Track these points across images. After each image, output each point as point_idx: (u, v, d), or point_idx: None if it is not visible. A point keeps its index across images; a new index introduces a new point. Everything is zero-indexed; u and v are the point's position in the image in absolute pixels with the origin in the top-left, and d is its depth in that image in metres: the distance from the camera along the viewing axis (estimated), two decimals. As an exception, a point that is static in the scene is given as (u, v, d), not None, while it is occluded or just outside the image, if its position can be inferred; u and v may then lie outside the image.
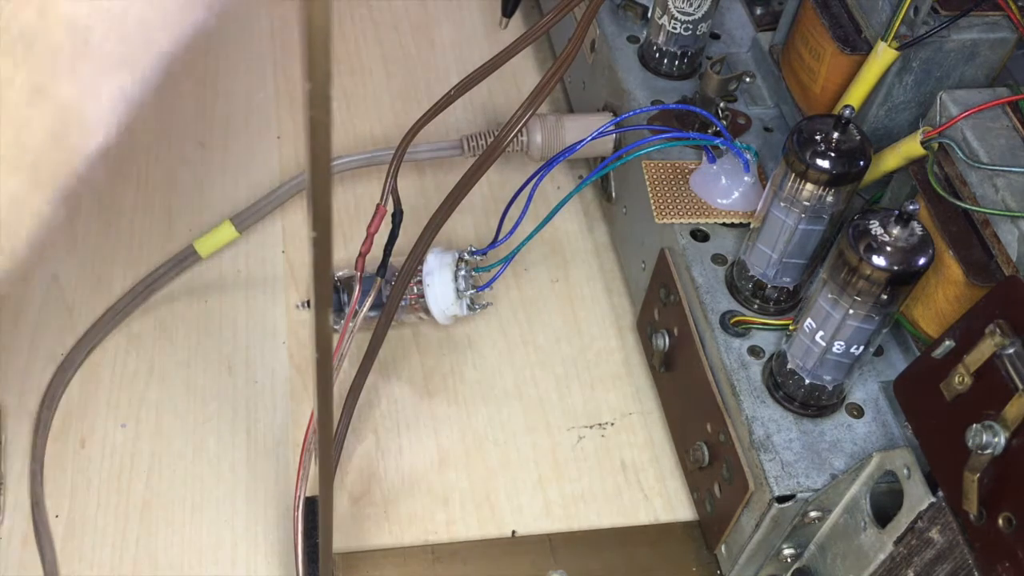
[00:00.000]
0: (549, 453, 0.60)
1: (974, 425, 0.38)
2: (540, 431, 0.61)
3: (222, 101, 0.76)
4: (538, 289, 0.67)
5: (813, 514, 0.47)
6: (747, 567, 0.52)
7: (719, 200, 0.57)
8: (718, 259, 0.55)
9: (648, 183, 0.58)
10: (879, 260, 0.42)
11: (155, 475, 0.57)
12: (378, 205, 0.56)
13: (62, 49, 0.81)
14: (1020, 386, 0.37)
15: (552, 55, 0.82)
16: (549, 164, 0.59)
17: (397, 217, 0.58)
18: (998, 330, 0.38)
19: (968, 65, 0.53)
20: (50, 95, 0.80)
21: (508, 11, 0.74)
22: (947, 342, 0.41)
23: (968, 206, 0.46)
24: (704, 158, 0.58)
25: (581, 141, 0.61)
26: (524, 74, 0.81)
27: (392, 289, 0.57)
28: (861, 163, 0.47)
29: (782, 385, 0.49)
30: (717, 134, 0.57)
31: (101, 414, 0.59)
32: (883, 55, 0.52)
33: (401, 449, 0.59)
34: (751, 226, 0.53)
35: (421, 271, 0.59)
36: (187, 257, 0.65)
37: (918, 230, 0.42)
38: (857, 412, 0.50)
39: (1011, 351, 0.38)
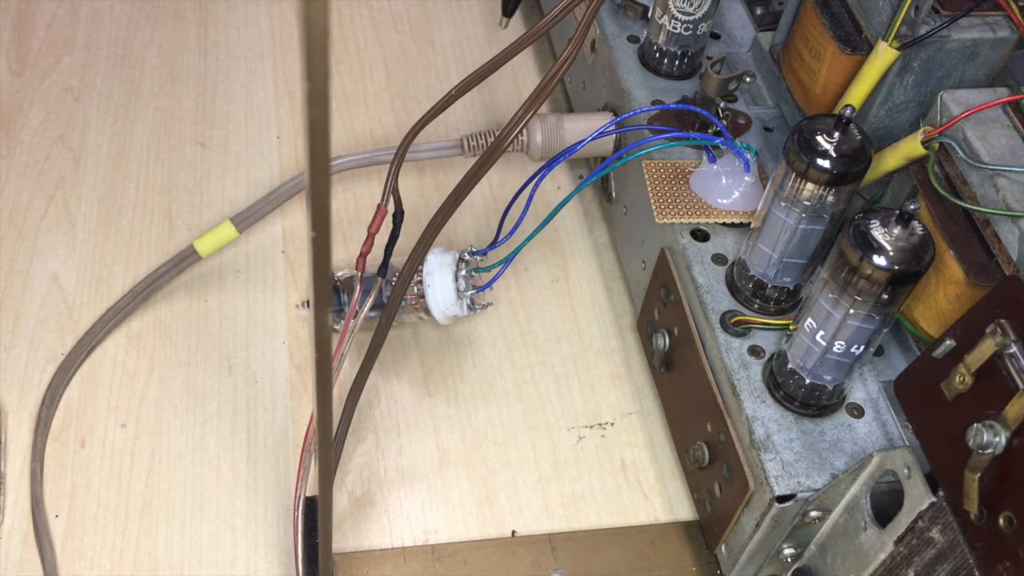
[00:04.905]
0: (549, 453, 0.60)
1: (975, 425, 0.38)
2: (540, 431, 0.61)
3: (222, 101, 0.76)
4: (538, 289, 0.67)
5: (813, 514, 0.47)
6: (747, 567, 0.52)
7: (719, 200, 0.57)
8: (718, 259, 0.55)
9: (648, 183, 0.58)
10: (880, 260, 0.42)
11: (155, 475, 0.57)
12: (379, 205, 0.56)
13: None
14: (1021, 386, 0.37)
15: (552, 55, 0.82)
16: (549, 164, 0.59)
17: (398, 217, 0.58)
18: (999, 330, 0.38)
19: (968, 65, 0.53)
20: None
21: (508, 11, 0.74)
22: (948, 342, 0.41)
23: (969, 206, 0.46)
24: (704, 158, 0.58)
25: (581, 141, 0.61)
26: (524, 74, 0.81)
27: (392, 289, 0.57)
28: (861, 163, 0.47)
29: (782, 385, 0.49)
30: (717, 134, 0.57)
31: (101, 414, 0.59)
32: (884, 55, 0.52)
33: (401, 449, 0.59)
34: (751, 226, 0.53)
35: (421, 271, 0.59)
36: (187, 257, 0.65)
37: (919, 230, 0.42)
38: (857, 412, 0.50)
39: (1012, 351, 0.38)
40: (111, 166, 0.71)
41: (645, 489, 0.59)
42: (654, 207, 0.57)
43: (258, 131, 0.75)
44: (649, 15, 0.65)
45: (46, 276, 0.65)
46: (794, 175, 0.48)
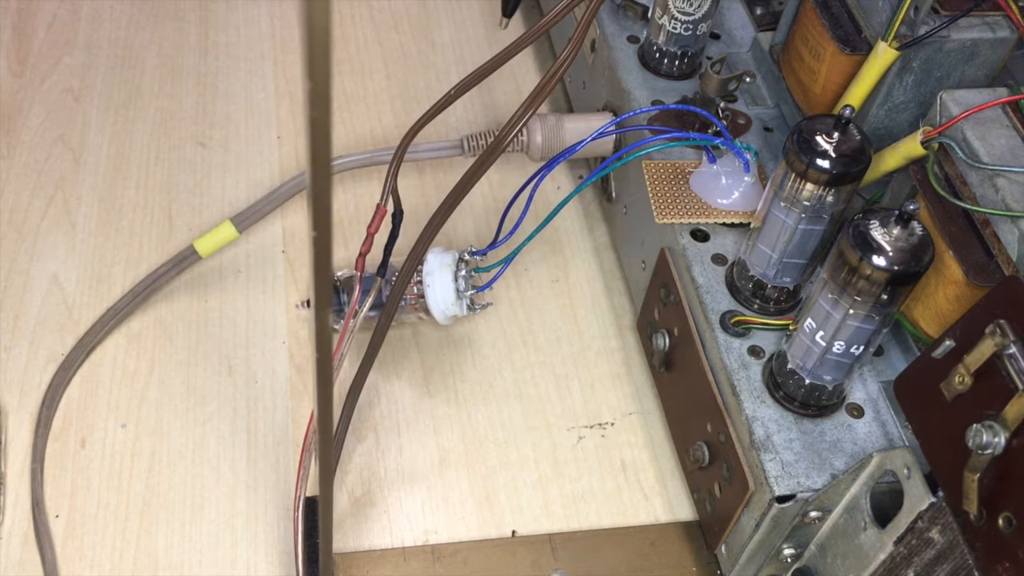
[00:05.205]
0: (549, 453, 0.60)
1: (974, 425, 0.38)
2: (540, 431, 0.61)
3: (222, 101, 0.76)
4: (538, 289, 0.67)
5: (813, 514, 0.47)
6: (747, 567, 0.52)
7: (719, 200, 0.57)
8: (718, 259, 0.55)
9: (648, 183, 0.58)
10: (879, 260, 0.42)
11: (155, 475, 0.57)
12: (378, 205, 0.56)
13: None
14: (1020, 386, 0.37)
15: (552, 55, 0.82)
16: (549, 164, 0.59)
17: (397, 217, 0.58)
18: (998, 330, 0.38)
19: (968, 65, 0.53)
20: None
21: (508, 11, 0.74)
22: (947, 342, 0.41)
23: (968, 206, 0.46)
24: (704, 158, 0.58)
25: (581, 141, 0.61)
26: (524, 74, 0.81)
27: (392, 289, 0.57)
28: (861, 163, 0.47)
29: (782, 385, 0.49)
30: (717, 134, 0.57)
31: (101, 414, 0.59)
32: (883, 55, 0.52)
33: (401, 449, 0.59)
34: (751, 226, 0.53)
35: (421, 271, 0.59)
36: (187, 257, 0.65)
37: (918, 230, 0.42)
38: (857, 412, 0.50)
39: (1011, 351, 0.38)
40: (111, 166, 0.71)
41: (645, 489, 0.59)
42: (654, 207, 0.57)
43: (258, 131, 0.75)
44: (649, 15, 0.65)
45: (46, 276, 0.65)
46: (794, 175, 0.48)
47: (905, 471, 0.43)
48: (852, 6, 0.55)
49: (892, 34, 0.51)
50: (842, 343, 0.46)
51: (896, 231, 0.42)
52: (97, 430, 0.58)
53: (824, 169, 0.46)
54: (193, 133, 0.74)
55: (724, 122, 0.60)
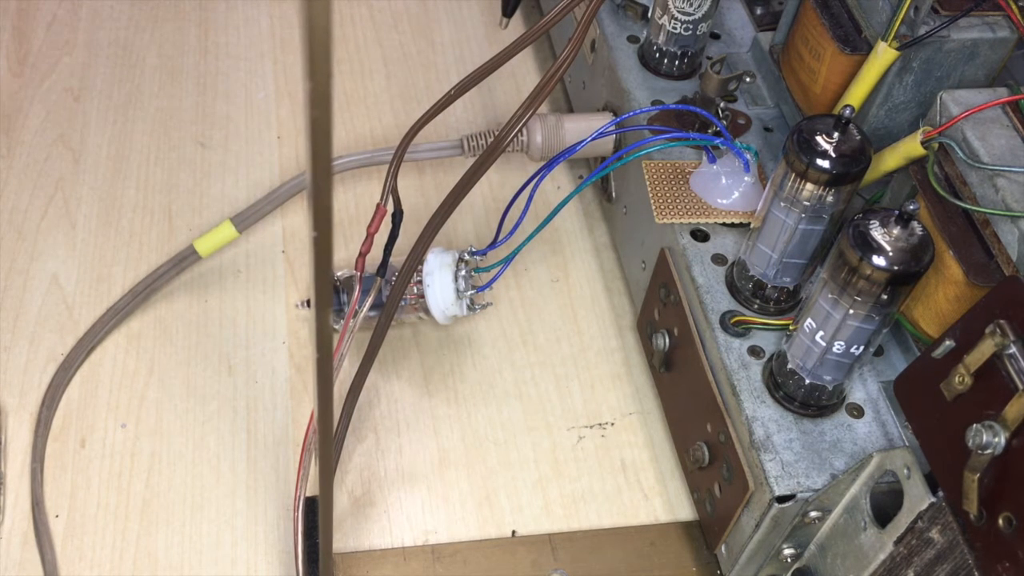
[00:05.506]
0: (549, 453, 0.60)
1: (974, 425, 0.38)
2: (540, 431, 0.61)
3: (222, 101, 0.76)
4: (538, 289, 0.67)
5: (813, 514, 0.47)
6: (747, 567, 0.52)
7: (719, 200, 0.57)
8: (718, 259, 0.55)
9: (648, 183, 0.58)
10: (879, 260, 0.42)
11: (155, 475, 0.57)
12: (378, 205, 0.56)
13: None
14: (1020, 386, 0.37)
15: (552, 55, 0.82)
16: (549, 164, 0.59)
17: (397, 217, 0.58)
18: (998, 330, 0.38)
19: (968, 65, 0.53)
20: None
21: (508, 11, 0.74)
22: (947, 342, 0.41)
23: (968, 206, 0.46)
24: (704, 158, 0.58)
25: (581, 141, 0.61)
26: (524, 74, 0.81)
27: (392, 289, 0.57)
28: (861, 163, 0.47)
29: (782, 385, 0.49)
30: (717, 134, 0.57)
31: (101, 414, 0.59)
32: (883, 55, 0.52)
33: (401, 449, 0.59)
34: (751, 226, 0.53)
35: (421, 271, 0.59)
36: (187, 257, 0.65)
37: (918, 230, 0.42)
38: (857, 412, 0.50)
39: (1011, 351, 0.38)
40: (111, 166, 0.71)
41: (645, 489, 0.59)
42: (654, 207, 0.57)
43: (258, 131, 0.75)
44: (649, 15, 0.65)
45: (46, 276, 0.65)
46: (794, 175, 0.48)
47: (905, 471, 0.43)
48: (852, 6, 0.55)
49: (892, 34, 0.51)
50: (842, 343, 0.46)
51: (896, 231, 0.42)
52: (97, 430, 0.58)
53: (824, 169, 0.46)
54: (193, 133, 0.74)
55: (724, 122, 0.60)
